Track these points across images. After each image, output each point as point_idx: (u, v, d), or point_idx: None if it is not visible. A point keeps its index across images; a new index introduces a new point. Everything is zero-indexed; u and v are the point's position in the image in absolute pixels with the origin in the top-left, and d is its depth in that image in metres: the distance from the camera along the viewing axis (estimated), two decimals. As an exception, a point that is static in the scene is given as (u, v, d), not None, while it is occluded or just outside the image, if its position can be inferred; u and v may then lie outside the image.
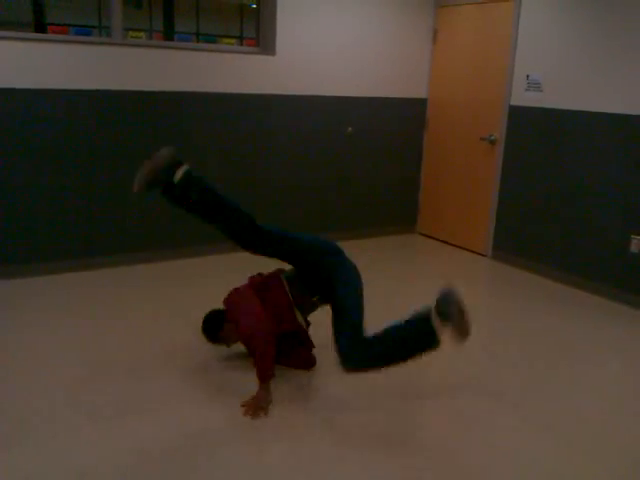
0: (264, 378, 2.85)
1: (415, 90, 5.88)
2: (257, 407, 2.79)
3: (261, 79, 5.04)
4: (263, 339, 2.83)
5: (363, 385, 3.06)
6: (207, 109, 4.88)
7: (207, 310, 3.20)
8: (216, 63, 4.82)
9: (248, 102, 5.04)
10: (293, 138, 5.34)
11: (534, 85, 4.88)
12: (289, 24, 5.04)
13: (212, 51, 4.81)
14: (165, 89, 4.67)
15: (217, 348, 3.38)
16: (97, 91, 4.42)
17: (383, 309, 3.56)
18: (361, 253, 5.34)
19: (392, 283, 4.64)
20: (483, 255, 5.51)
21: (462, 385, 3.12)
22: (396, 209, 6.10)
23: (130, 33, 13.55)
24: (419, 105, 5.94)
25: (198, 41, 15.40)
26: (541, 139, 4.89)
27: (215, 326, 3.14)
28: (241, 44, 15.08)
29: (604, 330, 3.94)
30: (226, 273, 4.68)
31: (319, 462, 2.44)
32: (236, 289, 3.12)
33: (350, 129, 5.58)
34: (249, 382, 2.98)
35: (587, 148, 4.55)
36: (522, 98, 5.00)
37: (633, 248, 4.29)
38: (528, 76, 4.92)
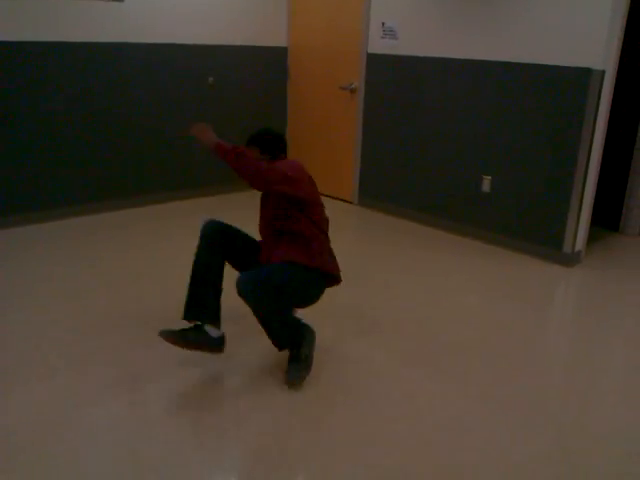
0: (224, 149, 2.56)
1: (275, 38, 5.77)
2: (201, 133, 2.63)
3: (109, 27, 4.68)
4: (268, 174, 2.54)
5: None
6: (51, 59, 4.46)
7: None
8: (60, 9, 4.39)
9: (97, 51, 4.67)
10: (151, 89, 5.06)
11: (389, 33, 4.98)
12: (136, -34, 4.70)
13: (50, -5, 4.38)
14: (2, 38, 4.20)
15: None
16: None
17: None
18: (226, 209, 5.26)
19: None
20: (350, 202, 5.65)
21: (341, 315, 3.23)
22: (263, 161, 6.04)
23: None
24: (280, 54, 5.85)
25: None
26: (398, 86, 5.03)
27: (276, 142, 2.87)
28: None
29: (463, 262, 4.24)
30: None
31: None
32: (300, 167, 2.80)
33: (211, 79, 5.39)
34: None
35: (440, 93, 4.75)
36: (378, 46, 5.08)
37: (484, 187, 4.60)
38: (383, 24, 5.00)
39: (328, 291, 2.80)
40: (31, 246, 4.23)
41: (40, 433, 2.31)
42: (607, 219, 5.19)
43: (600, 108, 3.96)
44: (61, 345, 2.96)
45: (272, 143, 2.85)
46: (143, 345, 2.96)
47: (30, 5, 4.26)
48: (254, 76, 5.72)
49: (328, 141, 5.76)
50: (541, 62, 4.10)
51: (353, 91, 5.38)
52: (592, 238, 4.55)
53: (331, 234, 2.84)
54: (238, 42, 5.49)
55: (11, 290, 3.54)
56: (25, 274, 3.76)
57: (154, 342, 2.75)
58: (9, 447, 2.23)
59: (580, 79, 3.92)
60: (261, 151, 2.81)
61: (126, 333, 3.10)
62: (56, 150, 4.66)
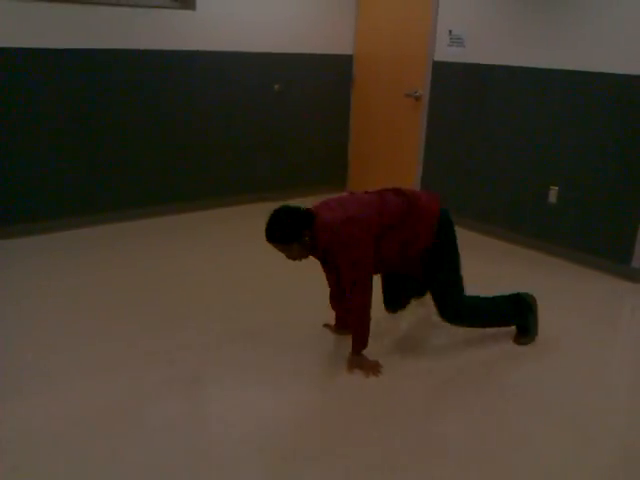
0: (358, 348, 2.80)
1: (341, 46, 5.83)
2: (369, 370, 2.80)
3: (182, 35, 4.86)
4: (364, 290, 2.68)
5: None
6: (125, 67, 4.67)
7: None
8: (133, 18, 4.60)
9: (169, 59, 4.86)
10: (219, 96, 5.21)
11: (456, 40, 4.94)
12: (209, -23, 4.86)
13: (128, 6, 4.58)
14: (79, 46, 4.42)
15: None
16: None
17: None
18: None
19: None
20: (411, 210, 5.61)
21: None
22: (326, 166, 6.11)
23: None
24: (345, 61, 5.90)
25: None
26: (464, 94, 4.98)
27: (294, 228, 2.61)
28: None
29: (526, 275, 4.15)
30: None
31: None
32: (354, 196, 2.81)
33: (277, 86, 5.50)
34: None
35: (508, 102, 4.68)
36: (445, 54, 5.05)
37: (551, 198, 4.49)
38: (451, 31, 4.97)
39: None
40: (119, 243, 4.46)
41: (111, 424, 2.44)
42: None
43: (676, 119, 3.81)
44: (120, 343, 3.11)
45: (292, 232, 2.64)
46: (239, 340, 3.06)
47: (103, 14, 4.48)
48: (319, 83, 5.79)
49: (391, 148, 5.76)
50: (610, 71, 3.98)
51: (418, 98, 5.36)
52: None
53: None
54: (305, 50, 5.58)
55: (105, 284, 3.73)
56: (115, 268, 3.96)
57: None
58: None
59: (655, 88, 3.79)
60: (286, 244, 2.67)
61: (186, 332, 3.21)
62: (126, 153, 4.86)
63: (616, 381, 3.00)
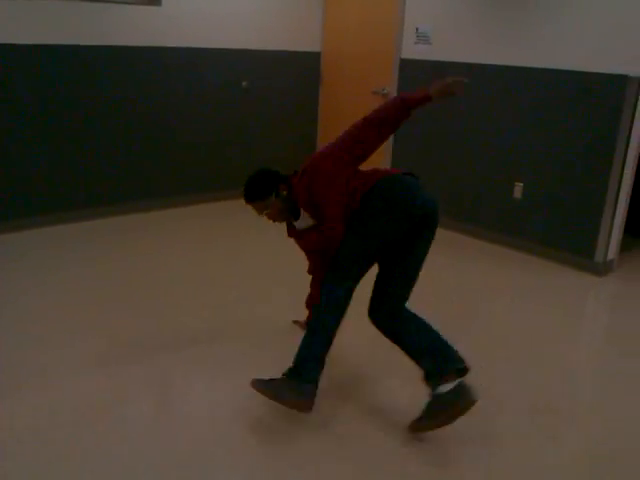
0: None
1: (309, 43, 5.83)
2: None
3: (148, 31, 4.79)
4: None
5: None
6: (92, 63, 4.59)
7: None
8: (98, 14, 4.52)
9: (136, 55, 4.79)
10: (188, 92, 5.16)
11: (423, 38, 4.99)
12: (174, -28, 4.81)
13: (93, 1, 4.49)
14: (42, 42, 4.32)
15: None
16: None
17: (290, 264, 3.59)
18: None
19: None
20: (380, 206, 5.65)
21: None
22: (296, 162, 6.05)
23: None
24: (313, 58, 5.91)
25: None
26: (431, 92, 5.03)
27: (269, 181, 2.62)
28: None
29: (492, 270, 4.23)
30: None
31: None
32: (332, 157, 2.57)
33: (245, 83, 5.47)
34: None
35: (474, 99, 4.74)
36: (412, 51, 5.10)
37: (516, 194, 4.58)
38: (417, 29, 5.02)
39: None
40: (73, 244, 4.36)
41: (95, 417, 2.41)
42: (641, 228, 5.12)
43: (636, 116, 3.91)
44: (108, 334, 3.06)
45: (268, 187, 2.63)
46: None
47: (69, 10, 4.38)
48: (287, 80, 5.78)
49: (359, 145, 5.78)
50: (576, 68, 4.07)
51: (385, 96, 5.40)
52: (625, 247, 4.49)
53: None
54: (272, 47, 5.56)
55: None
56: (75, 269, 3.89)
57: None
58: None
59: (616, 86, 3.89)
60: (264, 199, 2.61)
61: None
62: (98, 151, 4.78)
63: (588, 374, 3.07)
